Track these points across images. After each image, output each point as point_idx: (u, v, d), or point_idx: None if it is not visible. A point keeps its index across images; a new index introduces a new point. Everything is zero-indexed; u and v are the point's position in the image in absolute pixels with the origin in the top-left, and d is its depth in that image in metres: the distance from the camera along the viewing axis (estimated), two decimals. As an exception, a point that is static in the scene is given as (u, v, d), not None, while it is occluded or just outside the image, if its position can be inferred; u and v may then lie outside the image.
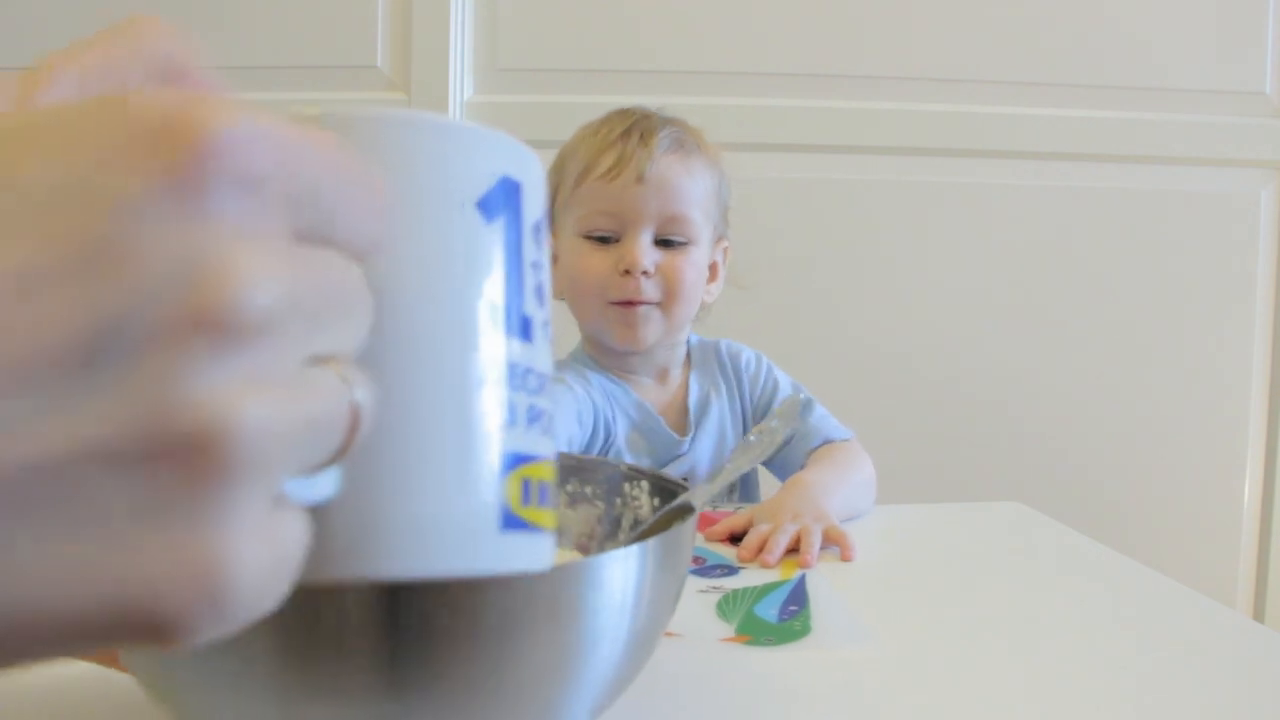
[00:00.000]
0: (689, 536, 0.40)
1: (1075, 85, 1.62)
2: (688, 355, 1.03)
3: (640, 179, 0.90)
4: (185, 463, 0.14)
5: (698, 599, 0.63)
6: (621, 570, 0.34)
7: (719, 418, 1.00)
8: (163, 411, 0.14)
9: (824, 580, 0.68)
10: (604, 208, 0.92)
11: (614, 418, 0.95)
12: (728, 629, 0.58)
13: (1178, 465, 1.68)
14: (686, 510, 0.43)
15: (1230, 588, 1.69)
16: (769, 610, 0.61)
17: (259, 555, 0.15)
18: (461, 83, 1.58)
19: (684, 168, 0.93)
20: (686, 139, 0.95)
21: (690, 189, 0.93)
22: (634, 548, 0.35)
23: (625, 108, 0.98)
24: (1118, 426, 1.67)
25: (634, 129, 0.93)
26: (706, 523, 0.81)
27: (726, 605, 0.62)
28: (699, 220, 0.94)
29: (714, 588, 0.65)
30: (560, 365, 1.00)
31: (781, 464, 1.01)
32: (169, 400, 0.14)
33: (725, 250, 1.02)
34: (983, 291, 1.65)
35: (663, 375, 1.00)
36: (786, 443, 0.96)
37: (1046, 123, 1.62)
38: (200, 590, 0.15)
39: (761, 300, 1.58)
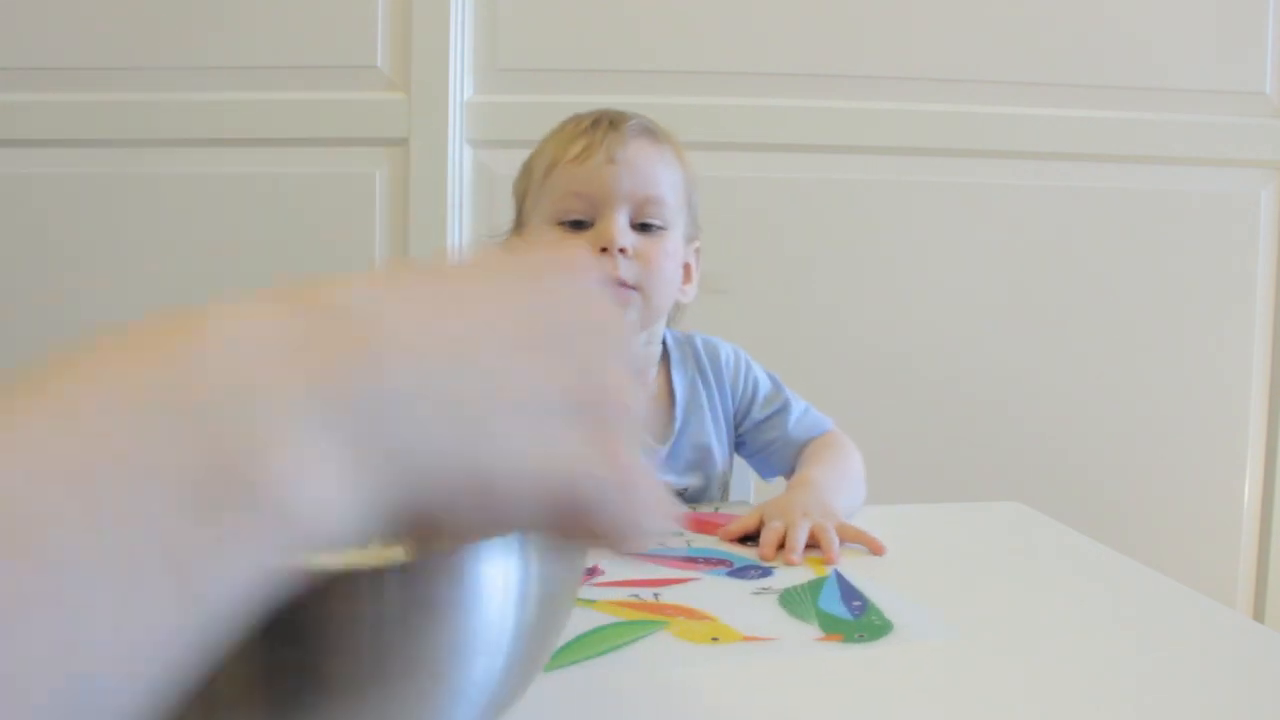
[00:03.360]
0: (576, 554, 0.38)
1: (1075, 85, 1.62)
2: (664, 355, 1.00)
3: (611, 160, 0.89)
4: (603, 406, 0.27)
5: (753, 601, 0.63)
6: (501, 567, 0.33)
7: (701, 424, 0.98)
8: (599, 386, 0.27)
9: (856, 574, 0.69)
10: (576, 189, 0.90)
11: None
12: (814, 629, 0.58)
13: (1178, 465, 1.68)
14: None
15: (1230, 588, 1.69)
16: (834, 605, 0.62)
17: (637, 463, 0.27)
18: (461, 83, 1.58)
19: (656, 152, 0.92)
20: (655, 129, 0.95)
21: (662, 174, 0.92)
22: (506, 541, 0.33)
23: (594, 110, 0.98)
24: (1118, 426, 1.67)
25: (602, 119, 0.93)
26: (714, 526, 0.82)
27: (791, 604, 0.62)
28: (673, 205, 0.93)
29: (763, 589, 0.66)
30: None
31: (764, 463, 1.00)
32: (605, 382, 0.28)
33: (697, 251, 1.00)
34: (983, 291, 1.65)
35: (638, 376, 0.98)
36: None
37: (1046, 123, 1.62)
38: (608, 466, 0.26)
39: (761, 300, 1.58)
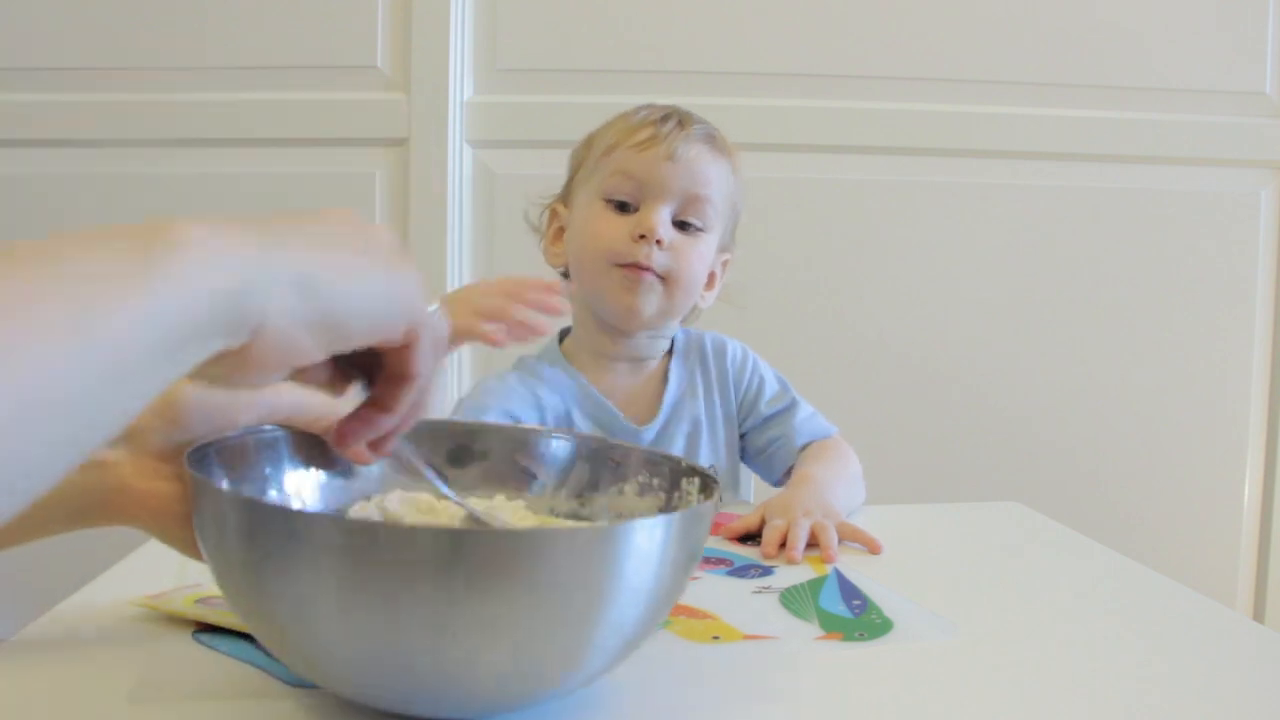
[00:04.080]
0: (711, 512, 0.47)
1: (1075, 85, 1.62)
2: (670, 349, 1.02)
3: (671, 157, 0.93)
4: (407, 273, 0.41)
5: (756, 600, 0.63)
6: (646, 536, 0.42)
7: (694, 414, 0.99)
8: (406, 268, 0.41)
9: (857, 573, 0.68)
10: (630, 172, 0.93)
11: (570, 411, 0.96)
12: (814, 627, 0.58)
13: (1178, 465, 1.68)
14: (711, 484, 0.51)
15: (1230, 588, 1.69)
16: (834, 604, 0.62)
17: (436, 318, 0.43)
18: (461, 83, 1.58)
19: (714, 158, 0.96)
20: (718, 137, 0.98)
21: (715, 179, 0.95)
22: (658, 519, 0.44)
23: (664, 104, 1.00)
24: (1118, 426, 1.67)
25: (672, 115, 0.96)
26: (715, 526, 0.82)
27: (791, 603, 0.62)
28: (716, 211, 0.96)
29: (764, 588, 0.65)
30: (517, 366, 1.00)
31: (767, 465, 1.00)
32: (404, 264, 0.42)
33: (725, 263, 1.03)
34: (982, 291, 1.65)
35: (638, 364, 1.00)
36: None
37: (1047, 123, 1.62)
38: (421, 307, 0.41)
39: (761, 300, 1.58)
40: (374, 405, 0.45)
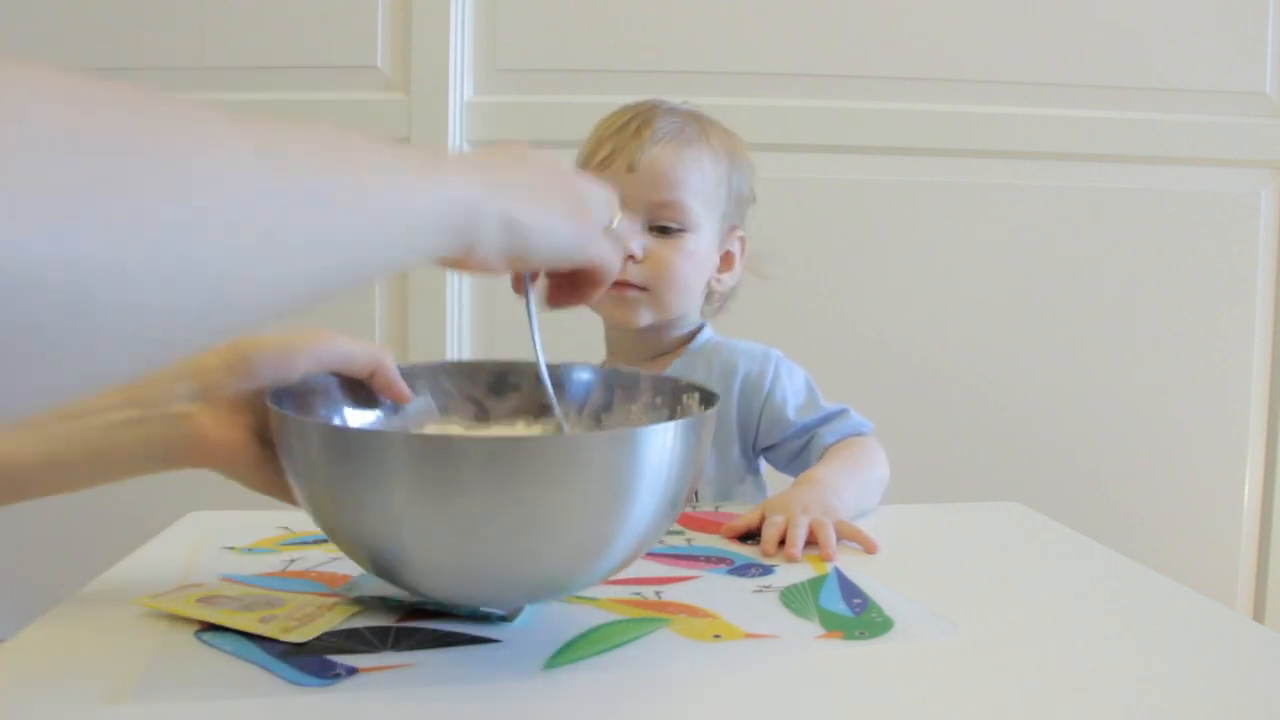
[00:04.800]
0: (710, 420, 0.55)
1: (1075, 85, 1.63)
2: (683, 347, 1.02)
3: (631, 168, 0.93)
4: (590, 211, 0.55)
5: (757, 599, 0.63)
6: (660, 440, 0.50)
7: None
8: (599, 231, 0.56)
9: (857, 572, 0.69)
10: None
11: None
12: (814, 626, 0.58)
13: (1178, 465, 1.68)
14: (711, 398, 0.59)
15: (1230, 588, 1.69)
16: (834, 603, 0.62)
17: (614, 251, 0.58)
18: (461, 83, 1.58)
19: (677, 157, 0.95)
20: (688, 129, 0.97)
21: (684, 177, 0.94)
22: (666, 424, 0.51)
23: (642, 100, 1.00)
24: (1118, 427, 1.67)
25: (633, 121, 0.96)
26: (716, 525, 0.82)
27: (792, 601, 0.62)
28: (696, 208, 0.95)
29: (764, 587, 0.65)
30: None
31: (803, 468, 1.00)
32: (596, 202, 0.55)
33: (742, 240, 1.02)
34: (982, 291, 1.65)
35: (647, 361, 1.01)
36: None
37: (1047, 123, 1.62)
38: (599, 249, 0.56)
39: (761, 300, 1.58)
40: (562, 292, 0.59)
